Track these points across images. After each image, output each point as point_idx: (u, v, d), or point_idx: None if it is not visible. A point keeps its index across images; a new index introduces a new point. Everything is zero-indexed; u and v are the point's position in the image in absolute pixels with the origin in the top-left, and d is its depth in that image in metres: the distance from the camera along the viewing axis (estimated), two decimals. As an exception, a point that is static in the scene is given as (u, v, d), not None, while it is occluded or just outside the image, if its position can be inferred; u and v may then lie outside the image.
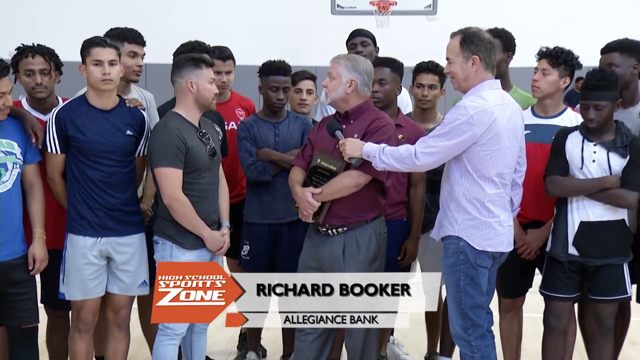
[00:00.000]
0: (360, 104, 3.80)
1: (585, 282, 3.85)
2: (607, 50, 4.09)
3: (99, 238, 3.74)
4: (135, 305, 4.13)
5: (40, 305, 3.89)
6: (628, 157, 3.71)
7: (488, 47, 3.58)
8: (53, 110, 3.77)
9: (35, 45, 3.87)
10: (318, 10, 11.35)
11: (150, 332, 4.06)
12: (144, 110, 3.99)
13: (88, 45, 3.74)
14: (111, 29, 4.16)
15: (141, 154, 3.89)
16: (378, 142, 3.65)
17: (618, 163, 3.72)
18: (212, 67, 3.83)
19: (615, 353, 4.24)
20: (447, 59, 3.63)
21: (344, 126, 3.79)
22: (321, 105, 4.93)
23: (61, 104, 3.85)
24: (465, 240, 3.56)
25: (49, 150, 3.73)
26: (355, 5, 10.11)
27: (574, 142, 3.79)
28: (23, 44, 3.88)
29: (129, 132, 3.79)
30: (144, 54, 4.21)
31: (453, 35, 3.63)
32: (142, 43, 4.19)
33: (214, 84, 3.81)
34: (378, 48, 5.06)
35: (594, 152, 3.74)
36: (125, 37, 4.10)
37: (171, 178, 3.69)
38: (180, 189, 3.71)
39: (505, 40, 4.26)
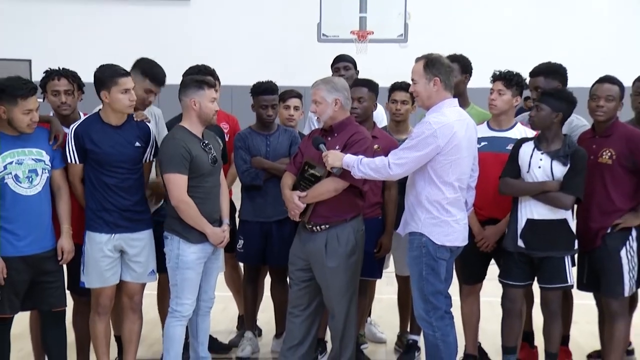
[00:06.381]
0: (343, 120, 4.14)
1: (534, 272, 4.21)
2: (533, 74, 4.47)
3: (113, 234, 4.04)
4: (149, 291, 4.41)
5: (67, 292, 4.16)
6: (569, 165, 4.04)
7: (447, 71, 3.92)
8: (71, 126, 4.03)
9: (61, 69, 4.19)
10: (306, 38, 11.85)
11: (164, 314, 4.36)
12: (149, 122, 4.25)
13: (114, 76, 3.96)
14: (142, 60, 4.36)
15: (147, 160, 4.19)
16: (356, 153, 3.95)
17: (560, 170, 4.04)
18: (213, 88, 4.13)
19: (565, 331, 4.65)
20: (412, 80, 3.96)
21: (328, 138, 4.13)
22: (308, 120, 5.31)
23: (80, 119, 4.14)
24: (427, 236, 3.89)
25: (69, 161, 4.03)
26: (338, 34, 10.70)
27: (525, 150, 4.12)
28: (50, 68, 4.19)
29: (137, 143, 4.09)
30: (157, 93, 4.38)
31: (417, 59, 3.96)
32: (162, 84, 4.36)
33: (214, 103, 4.12)
34: (358, 71, 5.45)
35: (541, 160, 4.07)
36: (148, 75, 4.28)
37: (178, 182, 3.99)
38: (186, 191, 4.01)
39: (463, 64, 4.69)
